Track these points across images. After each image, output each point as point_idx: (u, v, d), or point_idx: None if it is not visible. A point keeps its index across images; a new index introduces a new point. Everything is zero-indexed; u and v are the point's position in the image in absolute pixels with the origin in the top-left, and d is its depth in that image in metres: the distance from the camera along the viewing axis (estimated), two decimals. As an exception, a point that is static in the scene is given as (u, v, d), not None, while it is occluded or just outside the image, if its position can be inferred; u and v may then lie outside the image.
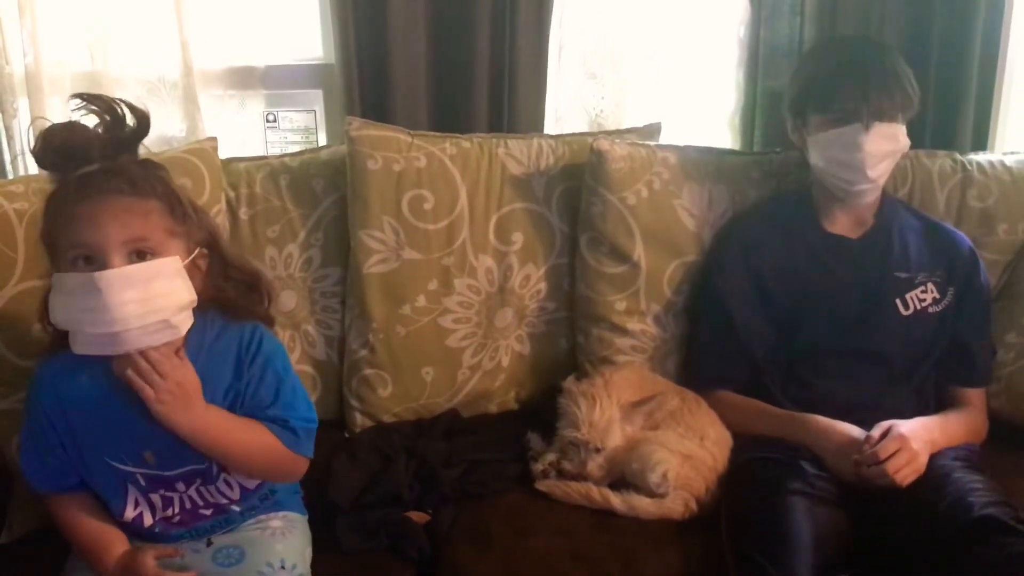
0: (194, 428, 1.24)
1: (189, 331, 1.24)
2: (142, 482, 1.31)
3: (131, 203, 1.17)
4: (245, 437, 1.29)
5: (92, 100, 1.19)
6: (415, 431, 1.81)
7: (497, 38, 1.99)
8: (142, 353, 1.18)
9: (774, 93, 2.05)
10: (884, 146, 1.64)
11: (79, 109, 1.19)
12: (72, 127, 1.18)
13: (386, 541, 1.48)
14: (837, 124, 1.66)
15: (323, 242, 1.85)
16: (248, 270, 1.38)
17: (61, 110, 1.93)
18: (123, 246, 1.15)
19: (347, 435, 1.86)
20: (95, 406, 1.27)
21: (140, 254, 1.17)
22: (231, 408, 1.31)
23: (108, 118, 1.19)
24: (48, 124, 1.19)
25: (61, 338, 1.23)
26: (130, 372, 1.19)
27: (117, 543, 1.32)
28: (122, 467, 1.30)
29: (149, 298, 1.15)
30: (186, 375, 1.23)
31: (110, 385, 1.24)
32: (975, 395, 1.75)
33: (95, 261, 1.14)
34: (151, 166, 1.25)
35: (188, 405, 1.23)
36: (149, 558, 1.28)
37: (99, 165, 1.18)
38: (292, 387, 1.35)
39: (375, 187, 1.78)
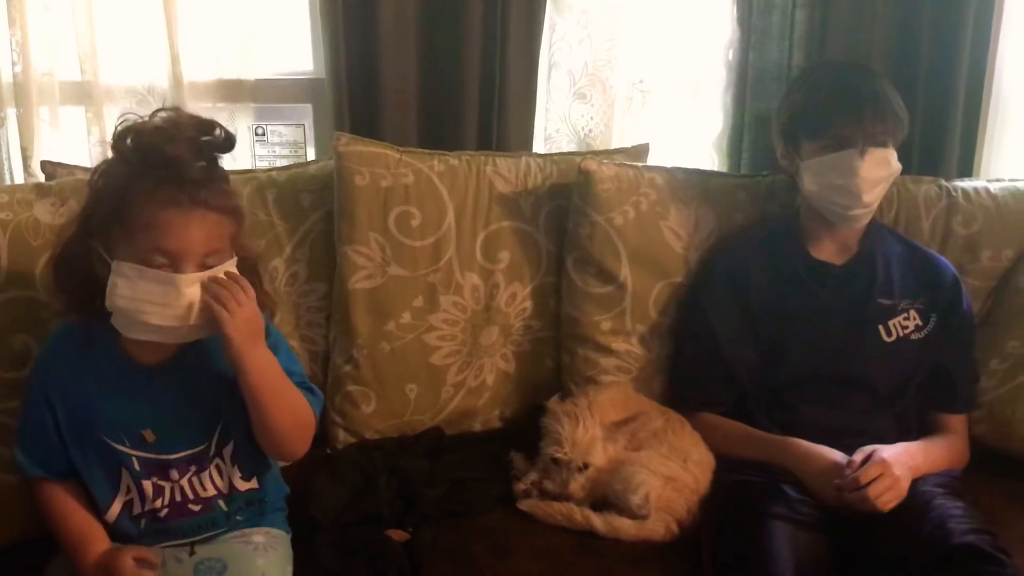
0: (257, 364, 1.29)
1: None
2: (137, 466, 1.34)
3: (216, 219, 1.26)
4: (289, 387, 1.36)
5: (188, 117, 1.27)
6: (398, 448, 1.81)
7: (487, 57, 2.00)
8: (219, 281, 1.25)
9: (762, 117, 2.06)
10: (878, 171, 1.65)
11: (167, 119, 1.26)
12: (173, 137, 1.23)
13: (366, 560, 1.47)
14: (831, 150, 1.67)
15: (309, 257, 1.84)
16: (251, 250, 1.44)
17: (49, 119, 1.93)
18: (200, 256, 1.25)
19: (329, 451, 1.85)
20: (97, 382, 1.33)
21: (208, 261, 1.26)
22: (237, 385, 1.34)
23: (200, 132, 1.26)
24: (141, 117, 1.26)
25: (74, 305, 1.32)
26: (209, 297, 1.24)
27: (100, 539, 1.34)
28: (120, 448, 1.33)
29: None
30: (255, 310, 1.29)
31: (114, 361, 1.33)
32: (957, 421, 1.76)
33: (171, 264, 1.23)
34: (227, 186, 1.32)
35: (256, 340, 1.29)
36: (128, 558, 1.28)
37: (192, 174, 1.24)
38: (298, 369, 1.45)
39: (362, 203, 1.78)
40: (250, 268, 1.37)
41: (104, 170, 1.30)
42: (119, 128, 1.26)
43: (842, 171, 1.65)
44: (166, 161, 1.23)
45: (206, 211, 1.25)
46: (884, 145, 1.66)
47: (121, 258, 1.23)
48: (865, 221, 1.73)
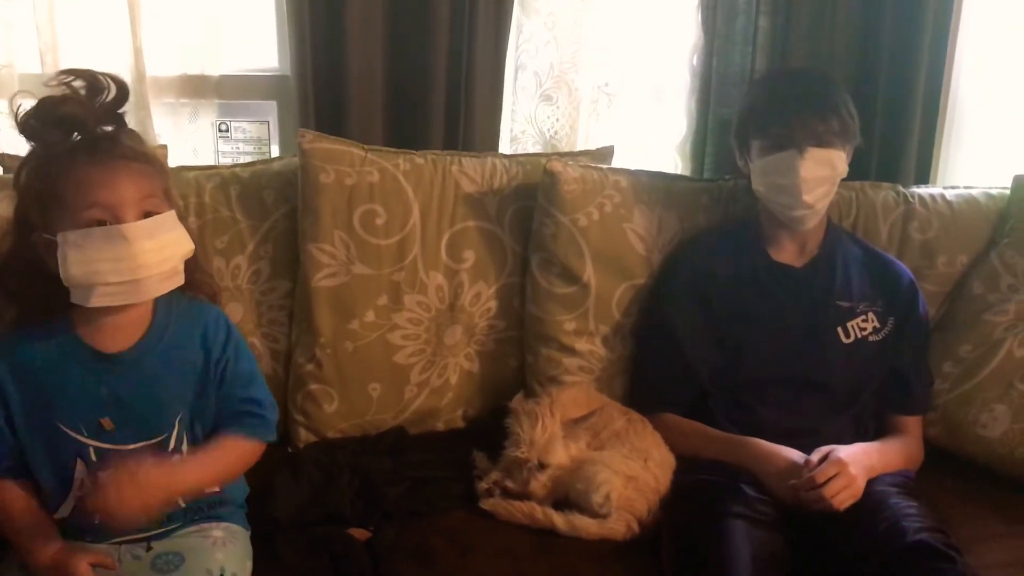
0: (193, 491, 1.35)
1: (158, 298, 1.33)
2: (93, 457, 1.32)
3: (139, 167, 1.28)
4: (227, 466, 1.40)
5: (76, 73, 1.27)
6: (360, 447, 1.80)
7: (454, 57, 2.00)
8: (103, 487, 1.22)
9: (725, 121, 2.09)
10: (819, 171, 1.67)
11: (59, 85, 1.26)
12: (66, 99, 1.25)
13: (327, 558, 1.46)
14: (773, 150, 1.69)
15: (272, 254, 1.83)
16: (179, 206, 1.46)
17: (7, 112, 1.89)
18: (136, 205, 1.25)
19: (290, 450, 1.84)
20: (56, 369, 1.32)
21: (148, 212, 1.27)
22: (203, 379, 1.38)
23: (93, 89, 1.27)
24: (34, 98, 1.26)
25: (25, 310, 1.33)
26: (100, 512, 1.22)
27: (52, 537, 1.31)
28: (77, 436, 1.31)
29: (163, 247, 1.27)
30: (139, 495, 1.23)
31: (73, 349, 1.32)
32: (912, 423, 1.79)
33: (111, 219, 1.23)
34: (137, 135, 1.34)
35: (171, 496, 1.31)
36: (83, 563, 1.26)
37: (100, 132, 1.28)
38: (258, 372, 1.47)
39: (327, 200, 1.77)
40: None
41: (21, 165, 1.30)
42: (18, 112, 1.26)
43: (783, 171, 1.68)
44: (70, 124, 1.26)
45: (127, 161, 1.27)
46: (827, 145, 1.67)
47: (63, 231, 1.23)
48: (811, 222, 1.74)
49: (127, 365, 1.33)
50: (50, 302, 1.30)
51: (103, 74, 1.28)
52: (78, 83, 1.26)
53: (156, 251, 1.26)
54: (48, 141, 1.26)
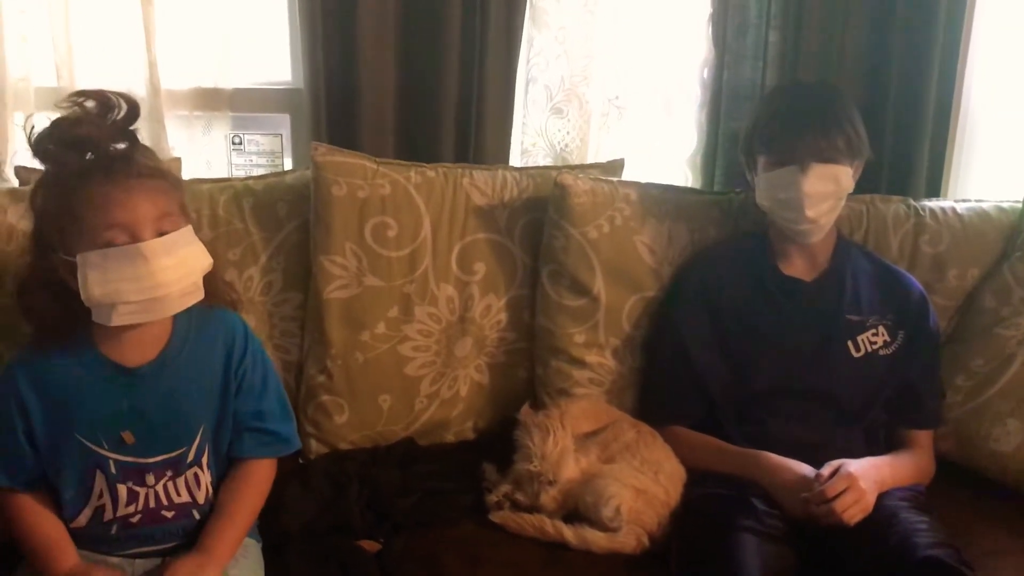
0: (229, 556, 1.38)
1: (177, 314, 1.33)
2: (113, 469, 1.33)
3: (154, 183, 1.29)
4: (251, 516, 1.44)
5: (87, 94, 1.27)
6: (370, 459, 1.80)
7: (466, 70, 2.01)
8: None
9: (735, 135, 2.08)
10: (823, 187, 1.67)
11: (72, 106, 1.27)
12: (80, 120, 1.26)
13: (337, 569, 1.47)
14: (777, 165, 1.70)
15: (284, 266, 1.85)
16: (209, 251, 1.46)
17: (24, 125, 1.91)
18: (153, 222, 1.26)
19: (301, 461, 1.84)
20: (77, 383, 1.32)
21: (164, 229, 1.28)
22: (224, 389, 1.39)
23: (104, 108, 1.28)
24: (46, 119, 1.27)
25: (46, 329, 1.33)
26: None
27: (68, 552, 1.33)
28: (97, 450, 1.32)
29: (182, 263, 1.28)
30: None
31: (94, 364, 1.33)
32: (923, 437, 1.78)
33: (128, 238, 1.24)
34: (151, 151, 1.37)
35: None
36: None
37: (114, 150, 1.28)
38: (278, 383, 1.49)
39: (338, 213, 1.78)
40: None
41: (37, 186, 1.31)
42: (33, 135, 1.27)
43: (786, 186, 1.68)
44: (84, 145, 1.26)
45: (142, 179, 1.27)
46: (831, 161, 1.67)
47: (82, 251, 1.24)
48: (816, 237, 1.74)
49: (148, 379, 1.34)
50: (71, 320, 1.31)
51: (114, 93, 1.29)
52: (89, 103, 1.27)
53: (175, 268, 1.26)
54: (63, 162, 1.27)
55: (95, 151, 1.27)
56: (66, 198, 1.25)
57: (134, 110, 1.30)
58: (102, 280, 1.23)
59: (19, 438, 1.32)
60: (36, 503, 1.35)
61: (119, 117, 1.28)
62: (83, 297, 1.25)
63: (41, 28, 1.90)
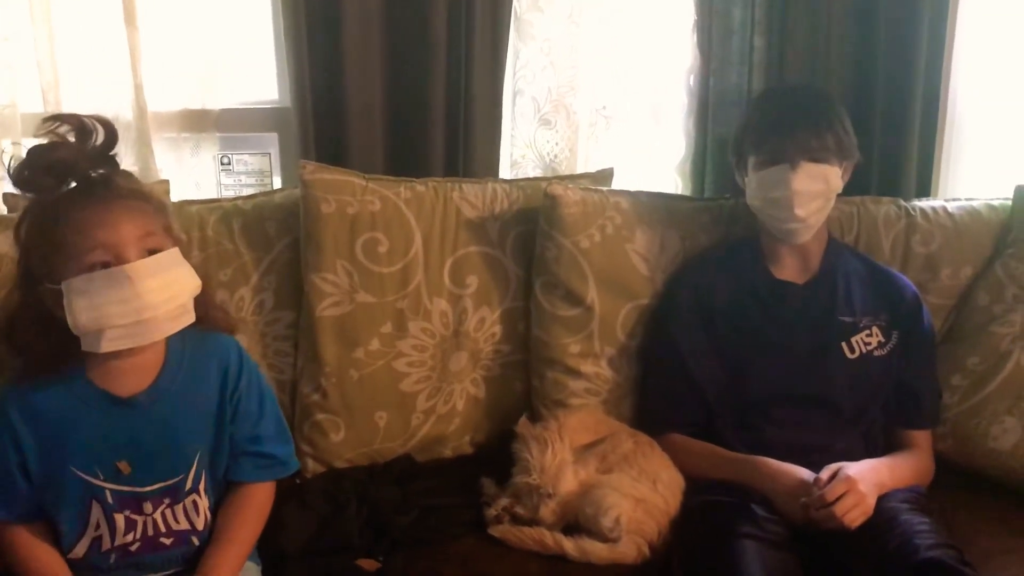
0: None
1: (170, 337, 1.31)
2: (110, 499, 1.32)
3: (136, 204, 1.28)
4: (249, 535, 1.42)
5: (63, 119, 1.27)
6: (368, 476, 1.79)
7: (452, 84, 2.02)
8: None
9: (723, 141, 2.09)
10: (812, 186, 1.67)
11: (47, 133, 1.26)
12: (56, 146, 1.26)
13: (336, 589, 1.46)
14: (767, 164, 1.71)
15: (276, 285, 1.84)
16: (183, 241, 1.45)
17: (11, 151, 1.91)
18: (137, 242, 1.25)
19: (298, 481, 1.83)
20: (71, 415, 1.31)
21: (151, 250, 1.26)
22: (220, 415, 1.38)
23: (81, 133, 1.27)
24: (22, 148, 1.26)
25: (37, 362, 1.30)
26: None
27: None
28: (93, 481, 1.31)
29: (168, 284, 1.26)
30: None
31: (87, 395, 1.31)
32: (922, 437, 1.78)
33: (113, 260, 1.23)
34: (131, 174, 1.35)
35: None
36: None
37: (94, 174, 1.28)
38: (274, 404, 1.49)
39: (329, 230, 1.78)
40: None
41: (21, 220, 1.30)
42: (11, 164, 1.27)
43: (775, 184, 1.68)
44: (61, 170, 1.26)
45: (123, 200, 1.27)
46: (821, 160, 1.68)
47: (67, 278, 1.22)
48: (804, 237, 1.74)
49: (143, 408, 1.33)
50: (61, 352, 1.29)
51: (90, 117, 1.28)
52: (64, 128, 1.26)
53: (161, 289, 1.24)
54: (42, 188, 1.26)
55: (73, 176, 1.27)
56: (48, 225, 1.25)
57: (112, 135, 1.29)
58: (88, 306, 1.21)
59: (13, 470, 1.31)
60: (32, 535, 1.34)
61: (97, 142, 1.27)
62: (71, 325, 1.23)
63: (27, 54, 1.90)
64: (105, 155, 1.29)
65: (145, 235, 1.26)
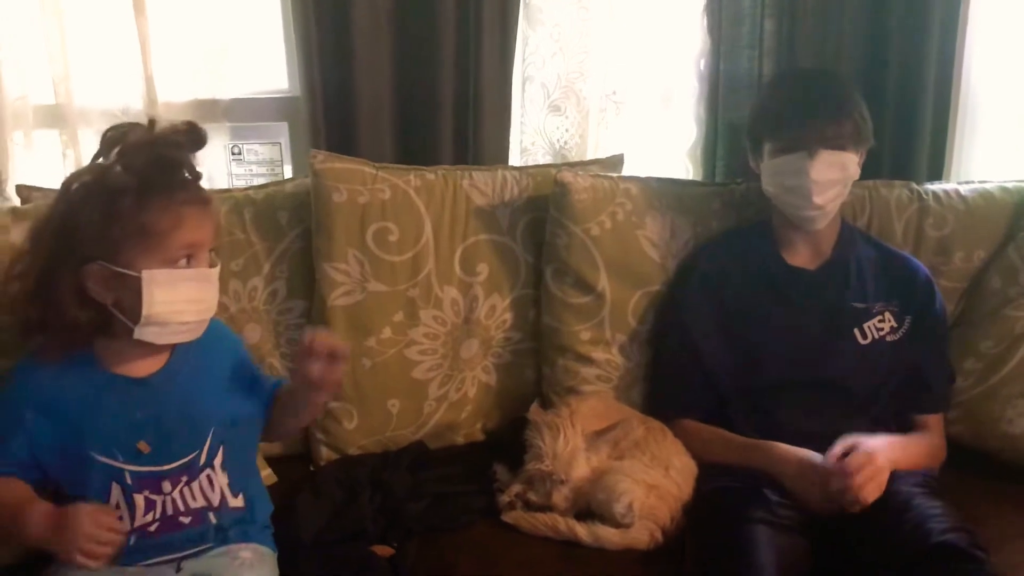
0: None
1: None
2: (129, 480, 1.34)
3: (214, 210, 1.36)
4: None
5: (187, 124, 1.33)
6: (381, 463, 1.80)
7: (461, 72, 2.01)
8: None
9: (734, 125, 2.09)
10: (830, 174, 1.66)
11: (171, 132, 1.32)
12: (180, 145, 1.32)
13: (351, 576, 1.47)
14: (785, 152, 1.69)
15: (288, 275, 1.85)
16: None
17: (23, 143, 1.92)
18: (208, 245, 1.34)
19: (312, 468, 1.85)
20: (87, 401, 1.33)
21: (211, 254, 1.36)
22: (233, 384, 1.44)
23: (195, 138, 1.33)
24: (130, 132, 1.31)
25: (51, 341, 1.33)
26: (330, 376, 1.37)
27: (41, 502, 1.28)
28: (112, 463, 1.33)
29: (217, 289, 1.37)
30: None
31: (101, 381, 1.34)
32: (934, 421, 1.78)
33: (192, 259, 1.31)
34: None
35: None
36: (85, 506, 1.24)
37: (189, 176, 1.34)
38: None
39: (340, 219, 1.78)
40: None
41: (80, 198, 1.30)
42: (130, 141, 1.30)
43: (793, 173, 1.68)
44: (172, 167, 1.31)
45: (210, 204, 1.35)
46: (839, 148, 1.67)
47: (146, 267, 1.26)
48: (821, 224, 1.74)
49: (158, 387, 1.36)
50: (75, 333, 1.31)
51: (193, 125, 1.34)
52: (179, 128, 1.33)
53: (216, 294, 1.36)
54: (144, 175, 1.28)
55: (177, 173, 1.32)
56: (131, 210, 1.26)
57: (204, 138, 1.35)
58: (168, 299, 1.28)
59: (18, 430, 1.31)
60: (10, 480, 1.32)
61: (199, 145, 1.34)
62: (145, 312, 1.27)
63: (37, 46, 1.90)
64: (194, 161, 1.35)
65: (215, 240, 1.36)
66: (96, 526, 1.21)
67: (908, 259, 1.83)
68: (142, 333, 1.29)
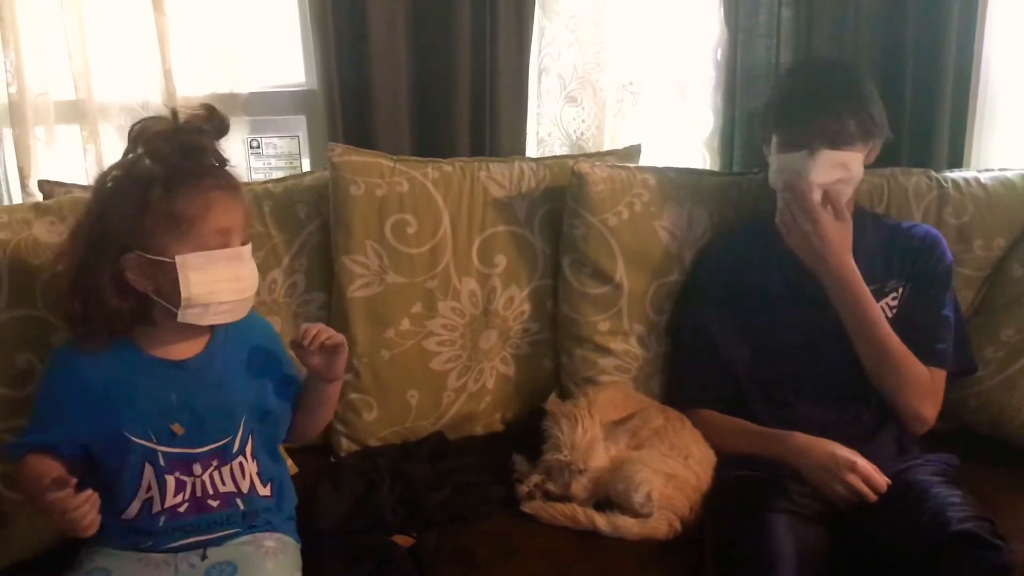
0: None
1: None
2: (161, 462, 1.36)
3: (243, 196, 1.39)
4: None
5: (208, 110, 1.36)
6: (400, 454, 1.82)
7: (478, 63, 2.02)
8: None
9: (752, 115, 2.08)
10: (830, 174, 1.65)
11: (192, 117, 1.34)
12: (203, 132, 1.34)
13: (372, 566, 1.48)
14: (788, 148, 1.69)
15: (307, 267, 1.86)
16: None
17: (44, 139, 1.94)
18: (241, 230, 1.37)
19: (333, 459, 1.86)
20: (123, 382, 1.36)
21: (244, 240, 1.38)
22: (266, 373, 1.45)
23: (219, 125, 1.36)
24: (153, 124, 1.33)
25: (90, 332, 1.35)
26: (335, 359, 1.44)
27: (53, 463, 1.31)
28: (146, 444, 1.35)
29: (257, 270, 1.40)
30: None
31: (139, 363, 1.37)
32: (936, 376, 1.72)
33: (225, 243, 1.33)
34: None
35: None
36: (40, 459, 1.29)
37: (216, 162, 1.37)
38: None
39: (358, 212, 1.79)
40: None
41: (112, 190, 1.33)
42: (153, 132, 1.32)
43: (793, 171, 1.68)
44: (197, 153, 1.33)
45: (239, 190, 1.38)
46: (842, 146, 1.66)
47: (180, 252, 1.29)
48: None
49: (195, 371, 1.39)
50: (117, 323, 1.34)
51: (215, 110, 1.36)
52: (205, 115, 1.35)
53: (255, 273, 1.39)
54: (169, 165, 1.31)
55: (202, 160, 1.34)
56: (161, 198, 1.29)
57: (228, 128, 1.38)
58: (205, 280, 1.31)
59: (68, 412, 1.34)
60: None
61: (222, 132, 1.37)
62: (184, 296, 1.30)
63: (57, 43, 1.92)
64: (219, 147, 1.38)
65: (246, 224, 1.38)
66: (42, 492, 1.21)
67: (910, 227, 1.81)
68: (185, 316, 1.32)
